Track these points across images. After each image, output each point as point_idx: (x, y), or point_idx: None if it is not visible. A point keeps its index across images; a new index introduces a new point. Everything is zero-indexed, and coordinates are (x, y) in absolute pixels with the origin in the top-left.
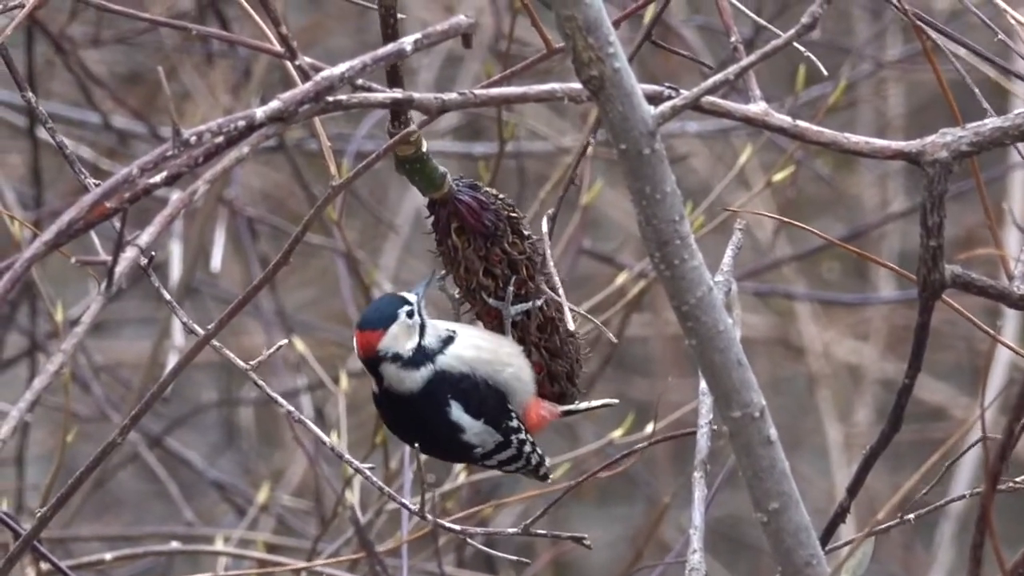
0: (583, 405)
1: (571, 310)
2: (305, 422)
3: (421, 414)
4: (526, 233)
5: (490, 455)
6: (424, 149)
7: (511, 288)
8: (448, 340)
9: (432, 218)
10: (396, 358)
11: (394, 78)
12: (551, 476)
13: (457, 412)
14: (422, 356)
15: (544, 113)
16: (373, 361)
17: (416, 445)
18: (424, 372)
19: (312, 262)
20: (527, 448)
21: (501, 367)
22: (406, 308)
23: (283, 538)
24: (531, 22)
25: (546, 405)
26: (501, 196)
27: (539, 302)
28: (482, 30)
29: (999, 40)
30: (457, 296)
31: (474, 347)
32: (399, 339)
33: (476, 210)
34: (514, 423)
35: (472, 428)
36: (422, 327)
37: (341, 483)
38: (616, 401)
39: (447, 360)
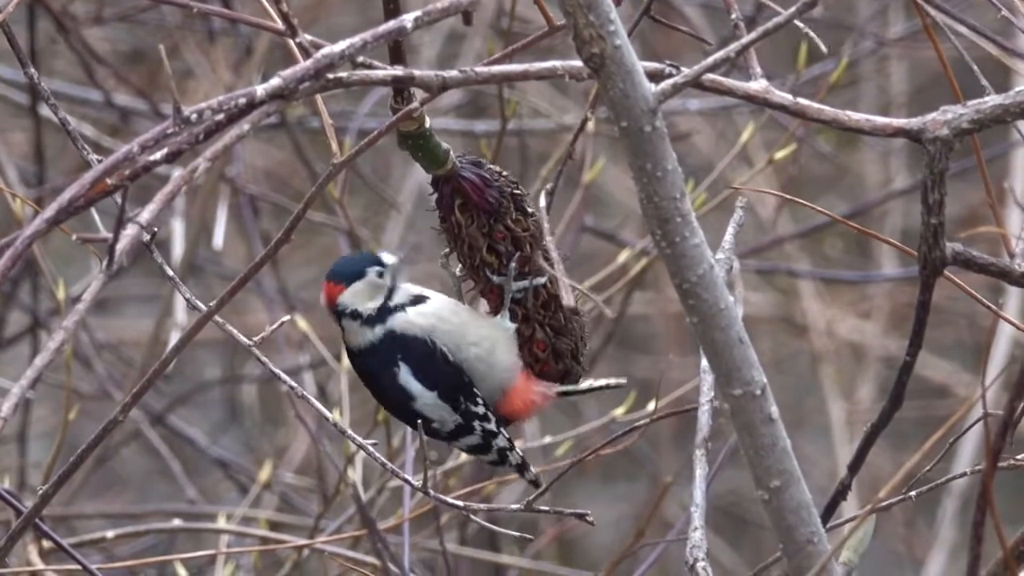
0: (584, 385)
1: (571, 287)
2: (308, 398)
3: (377, 373)
4: (530, 210)
5: (455, 436)
6: (427, 125)
7: (514, 264)
8: (416, 300)
9: (436, 195)
10: (355, 315)
11: (397, 55)
12: (542, 483)
13: (405, 375)
14: (383, 317)
15: (546, 91)
16: (334, 313)
17: (390, 411)
18: (378, 330)
19: (315, 240)
20: (499, 442)
21: (465, 345)
22: (376, 268)
23: (285, 516)
24: None
25: (538, 388)
26: (504, 173)
27: (542, 279)
28: (484, 7)
29: (1001, 17)
30: (459, 274)
31: (435, 316)
32: (360, 296)
33: (480, 187)
34: (479, 409)
35: (423, 397)
36: (391, 290)
37: (343, 461)
38: (623, 381)
39: (400, 321)
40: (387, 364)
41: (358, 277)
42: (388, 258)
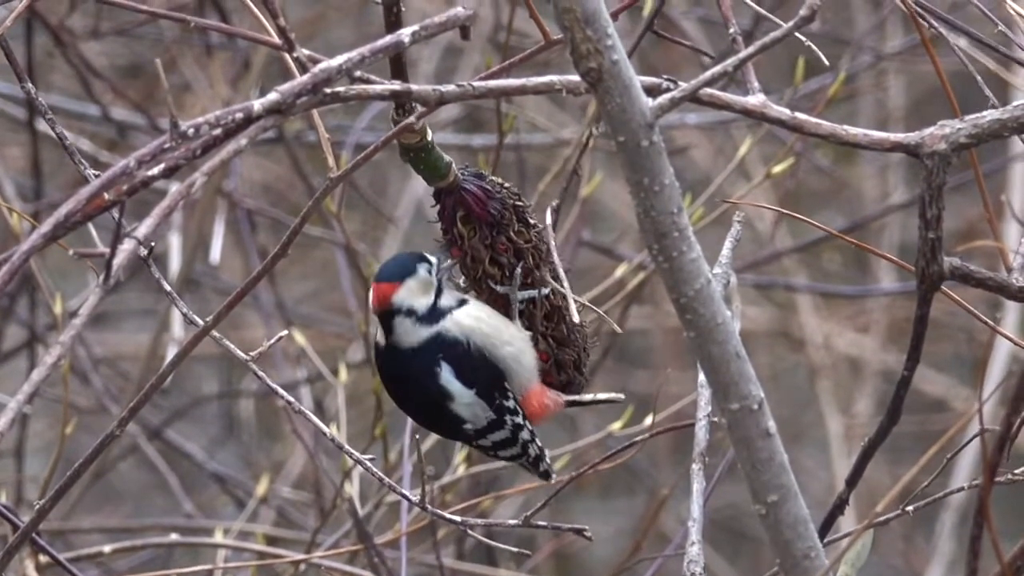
0: (588, 397)
1: (575, 300)
2: (305, 413)
3: (414, 373)
4: (532, 222)
5: (483, 433)
6: (429, 138)
7: (519, 271)
8: (460, 303)
9: (438, 207)
10: (410, 312)
11: (398, 70)
12: (553, 473)
13: (447, 376)
14: (434, 316)
15: (544, 105)
16: (388, 313)
17: (410, 412)
18: (431, 329)
19: (312, 254)
20: (524, 435)
21: (500, 343)
22: (426, 265)
23: (282, 530)
24: (530, 14)
25: (550, 394)
26: (507, 185)
27: (546, 290)
28: (482, 22)
29: (999, 31)
30: (463, 285)
31: (475, 318)
32: (415, 293)
33: (482, 199)
34: (510, 403)
35: (462, 397)
36: (439, 288)
37: (340, 475)
38: (621, 396)
39: (445, 323)
40: (429, 365)
41: (411, 274)
42: (432, 256)
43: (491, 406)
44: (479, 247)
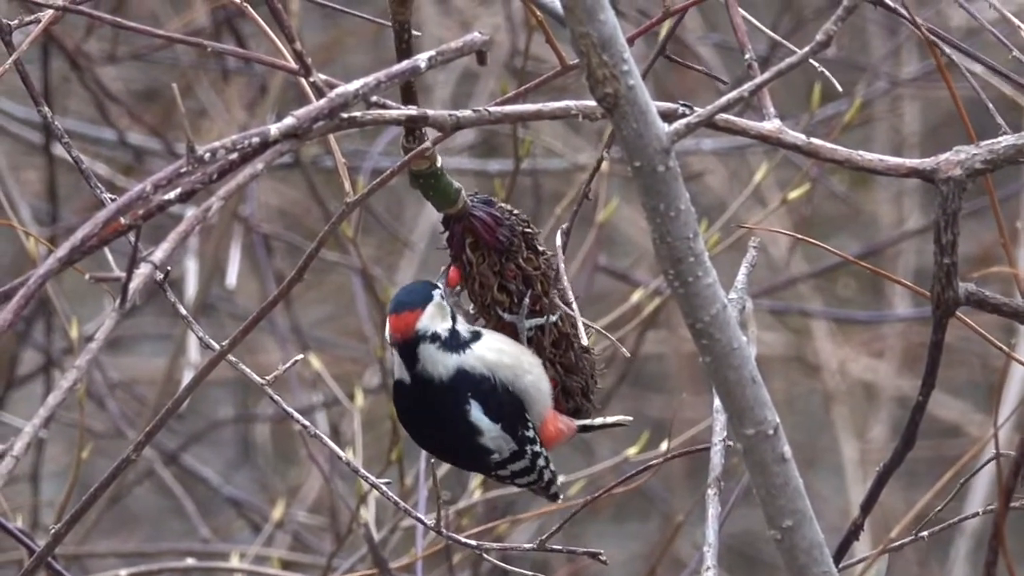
0: (599, 421)
1: (586, 326)
2: (321, 437)
3: (442, 409)
4: (541, 248)
5: (504, 464)
6: (439, 164)
7: (526, 301)
8: (475, 336)
9: (447, 233)
10: (435, 338)
11: (408, 95)
12: (562, 495)
13: (477, 413)
14: (456, 341)
15: (560, 130)
16: (411, 343)
17: (430, 448)
18: (456, 359)
19: (328, 279)
20: (541, 462)
21: (522, 373)
22: (438, 290)
23: (298, 555)
24: (546, 39)
25: (563, 419)
26: (515, 212)
27: (554, 317)
28: (498, 47)
29: (1014, 57)
30: (471, 312)
31: (497, 350)
32: (435, 319)
33: (491, 225)
34: (530, 433)
35: (490, 432)
36: (453, 313)
37: (356, 499)
38: (630, 419)
39: (469, 359)
40: (458, 402)
41: (429, 300)
42: (438, 281)
43: (514, 438)
44: (488, 274)
